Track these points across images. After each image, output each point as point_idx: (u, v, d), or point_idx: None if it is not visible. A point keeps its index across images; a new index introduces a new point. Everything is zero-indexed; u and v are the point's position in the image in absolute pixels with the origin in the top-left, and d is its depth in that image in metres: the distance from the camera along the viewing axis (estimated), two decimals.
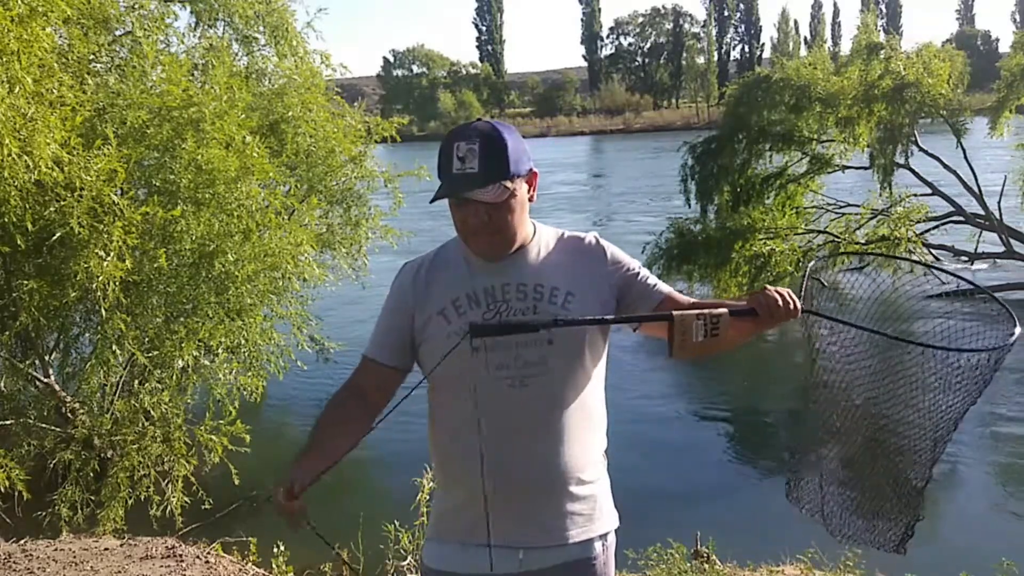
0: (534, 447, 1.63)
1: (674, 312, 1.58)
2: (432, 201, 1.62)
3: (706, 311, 1.58)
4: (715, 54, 67.06)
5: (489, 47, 73.66)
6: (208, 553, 4.21)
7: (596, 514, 1.72)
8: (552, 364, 1.63)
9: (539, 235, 1.73)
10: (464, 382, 1.63)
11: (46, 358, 6.07)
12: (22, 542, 4.35)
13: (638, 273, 1.74)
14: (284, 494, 1.47)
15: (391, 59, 71.22)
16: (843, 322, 1.65)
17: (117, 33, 6.13)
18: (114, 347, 5.21)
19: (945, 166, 12.25)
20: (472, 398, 1.62)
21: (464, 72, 71.10)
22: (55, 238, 4.65)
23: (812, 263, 1.76)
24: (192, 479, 5.46)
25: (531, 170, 1.65)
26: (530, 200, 1.67)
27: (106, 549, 4.18)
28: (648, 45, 71.62)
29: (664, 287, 1.75)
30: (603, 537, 1.73)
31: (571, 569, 1.69)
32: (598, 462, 1.74)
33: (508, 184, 1.59)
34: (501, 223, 1.62)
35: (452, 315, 1.66)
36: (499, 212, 1.61)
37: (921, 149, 12.38)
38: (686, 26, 69.71)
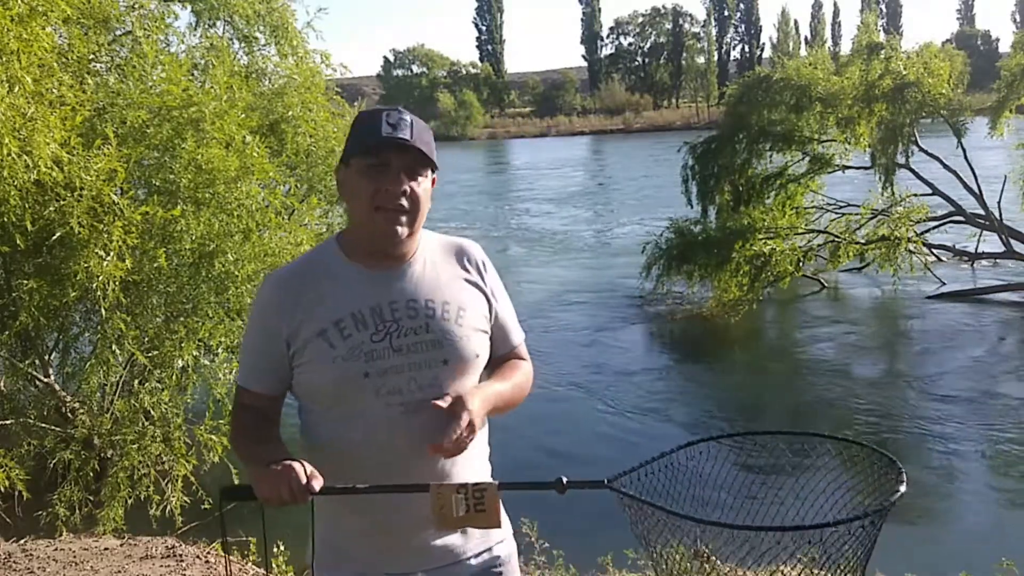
0: (425, 472, 1.53)
1: (432, 483, 1.46)
2: (357, 153, 1.53)
3: (469, 484, 1.44)
4: (715, 54, 66.95)
5: (489, 47, 73.56)
6: (208, 553, 4.21)
7: None
8: (446, 386, 1.56)
9: (424, 244, 1.65)
10: (353, 409, 1.54)
11: (46, 358, 6.06)
12: (22, 542, 4.36)
13: (501, 311, 1.70)
14: (303, 487, 1.41)
15: (391, 59, 71.15)
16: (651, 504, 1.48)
17: (117, 33, 6.12)
18: (114, 347, 5.21)
19: (945, 166, 12.26)
20: (360, 426, 1.54)
21: (464, 72, 70.98)
22: (55, 238, 4.64)
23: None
24: (192, 479, 5.45)
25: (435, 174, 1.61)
26: None
27: (106, 549, 4.18)
28: (648, 45, 71.49)
29: (517, 337, 1.73)
30: (502, 543, 1.70)
31: None
32: (486, 472, 1.69)
33: (434, 166, 1.57)
34: (415, 203, 1.54)
35: (336, 339, 1.53)
36: (418, 188, 1.54)
37: (921, 149, 12.39)
38: (686, 26, 69.59)
